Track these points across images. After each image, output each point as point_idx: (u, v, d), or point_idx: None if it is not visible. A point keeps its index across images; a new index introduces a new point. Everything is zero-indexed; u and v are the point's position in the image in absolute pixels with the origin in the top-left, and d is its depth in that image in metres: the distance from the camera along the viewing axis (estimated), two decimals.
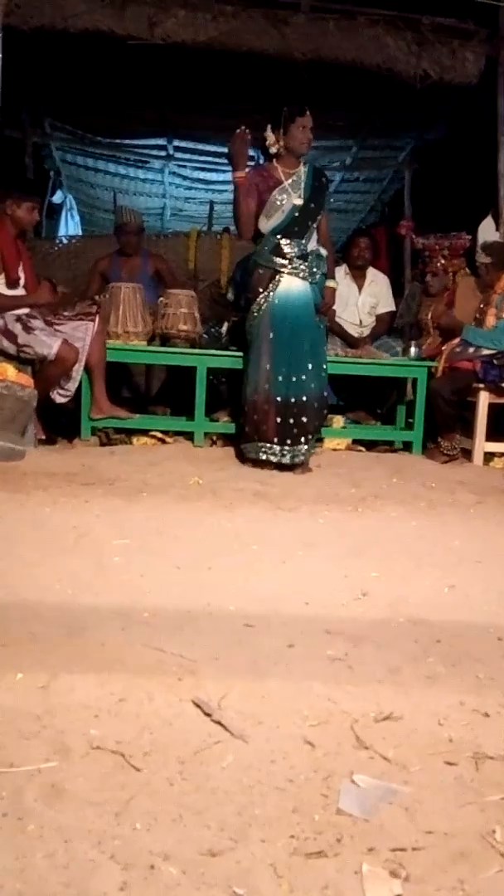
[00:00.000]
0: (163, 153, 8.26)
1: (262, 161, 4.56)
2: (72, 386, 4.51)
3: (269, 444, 4.19)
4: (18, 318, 4.39)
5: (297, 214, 4.19)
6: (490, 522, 3.34)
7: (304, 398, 4.18)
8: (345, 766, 1.53)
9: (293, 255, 4.19)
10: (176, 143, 8.02)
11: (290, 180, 4.20)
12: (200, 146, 8.06)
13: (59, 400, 4.55)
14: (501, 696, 1.84)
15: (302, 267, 4.19)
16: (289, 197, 4.18)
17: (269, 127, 4.19)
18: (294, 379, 4.17)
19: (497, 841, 1.33)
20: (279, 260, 4.19)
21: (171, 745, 1.57)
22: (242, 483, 3.80)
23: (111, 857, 1.24)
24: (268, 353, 4.18)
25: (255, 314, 4.22)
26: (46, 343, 4.31)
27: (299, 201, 4.18)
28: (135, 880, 1.19)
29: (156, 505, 3.28)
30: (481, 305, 4.94)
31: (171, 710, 1.70)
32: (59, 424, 4.78)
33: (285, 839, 1.31)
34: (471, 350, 4.74)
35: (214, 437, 4.88)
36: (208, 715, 1.68)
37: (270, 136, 4.18)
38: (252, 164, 4.41)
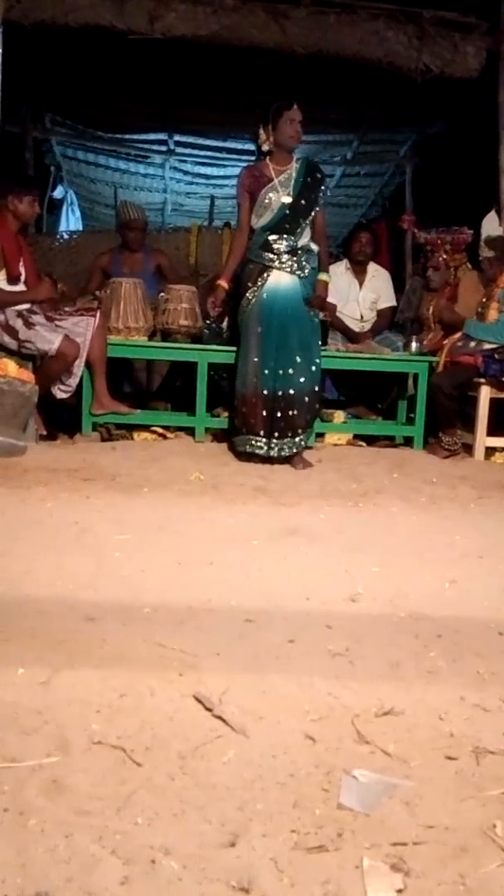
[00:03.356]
0: (163, 148, 8.24)
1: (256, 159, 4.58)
2: (73, 381, 4.51)
3: (256, 438, 4.21)
4: (19, 314, 4.39)
5: (286, 212, 4.22)
6: (491, 518, 3.34)
7: (292, 392, 4.19)
8: (346, 761, 1.53)
9: (282, 250, 4.21)
10: (177, 137, 8.00)
11: (280, 178, 4.22)
12: (201, 141, 8.03)
13: (60, 395, 4.55)
14: (502, 691, 1.84)
15: (291, 262, 4.21)
16: (278, 195, 4.21)
17: (261, 126, 4.22)
18: (281, 373, 4.19)
19: (497, 835, 1.33)
20: (268, 255, 4.22)
21: (172, 739, 1.57)
22: (243, 478, 3.80)
23: (112, 852, 1.24)
24: (256, 347, 4.21)
25: (245, 309, 4.25)
26: (48, 339, 4.31)
27: (288, 199, 4.21)
28: (136, 875, 1.19)
29: (157, 500, 3.28)
30: (484, 300, 4.93)
31: (172, 705, 1.70)
32: (60, 420, 4.78)
33: (286, 834, 1.31)
34: (472, 344, 4.74)
35: (216, 433, 4.88)
36: (209, 710, 1.68)
37: (262, 135, 4.22)
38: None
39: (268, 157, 4.27)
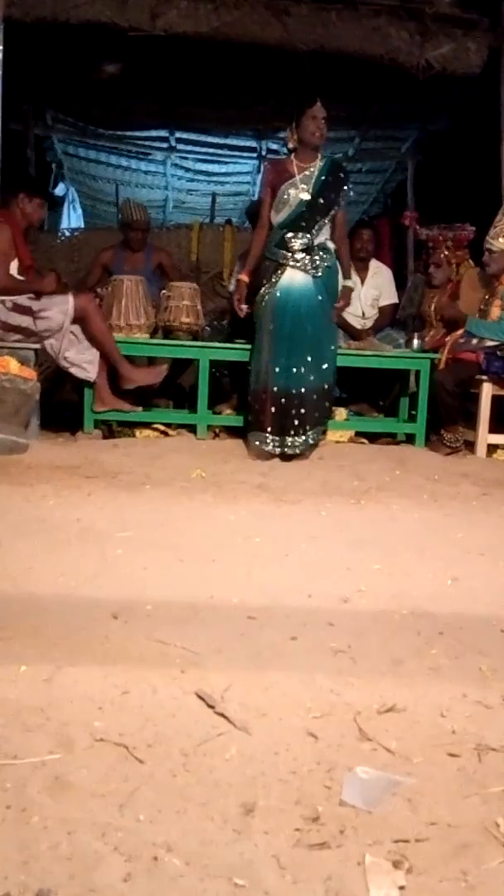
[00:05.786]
0: (165, 145, 8.23)
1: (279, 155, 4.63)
2: (93, 357, 4.50)
3: (266, 434, 4.22)
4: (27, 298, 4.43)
5: (304, 209, 4.22)
6: (493, 515, 3.34)
7: (303, 390, 4.20)
8: (348, 758, 1.53)
9: (297, 248, 4.22)
10: (178, 134, 7.99)
11: (302, 175, 4.23)
12: (203, 138, 8.03)
13: (82, 375, 4.53)
14: None
15: (305, 260, 4.21)
16: (297, 192, 4.23)
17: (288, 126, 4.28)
18: (294, 370, 4.20)
19: (500, 832, 1.33)
20: (283, 252, 4.23)
21: (175, 737, 1.57)
22: (245, 476, 3.80)
23: (115, 849, 1.24)
24: (268, 344, 4.23)
25: (260, 305, 4.27)
26: (61, 300, 4.36)
27: (306, 196, 4.22)
28: (139, 872, 1.20)
29: (159, 497, 3.28)
30: (486, 297, 4.93)
31: (175, 702, 1.70)
32: (62, 417, 4.78)
33: (288, 831, 1.31)
34: (474, 341, 4.74)
35: (217, 430, 4.88)
36: (211, 707, 1.68)
37: (288, 131, 4.28)
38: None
39: (293, 154, 4.30)
